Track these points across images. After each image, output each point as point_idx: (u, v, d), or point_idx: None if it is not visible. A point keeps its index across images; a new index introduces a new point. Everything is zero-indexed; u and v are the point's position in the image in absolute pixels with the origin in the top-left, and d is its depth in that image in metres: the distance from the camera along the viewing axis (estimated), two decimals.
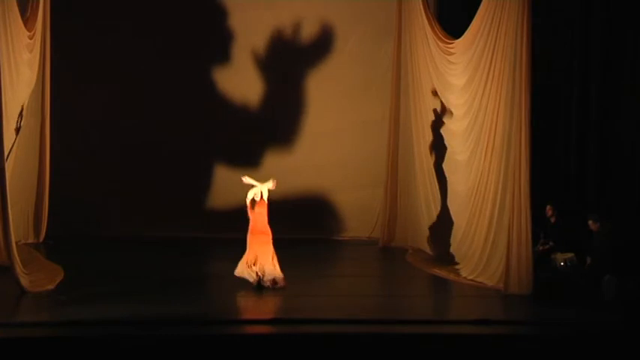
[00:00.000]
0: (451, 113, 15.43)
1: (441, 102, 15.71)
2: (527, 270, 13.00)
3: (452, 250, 15.30)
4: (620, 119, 15.61)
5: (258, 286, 12.87)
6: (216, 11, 18.15)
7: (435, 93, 15.88)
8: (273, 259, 13.03)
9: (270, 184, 13.28)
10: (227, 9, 18.17)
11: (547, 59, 15.81)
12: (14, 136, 14.72)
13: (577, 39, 16.16)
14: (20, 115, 15.21)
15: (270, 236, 13.11)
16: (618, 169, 15.57)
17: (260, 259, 12.98)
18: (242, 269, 13.03)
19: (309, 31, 18.29)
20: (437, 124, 15.85)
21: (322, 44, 18.32)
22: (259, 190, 13.17)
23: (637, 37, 15.23)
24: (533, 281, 13.02)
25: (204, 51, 18.12)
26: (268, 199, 13.23)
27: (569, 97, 16.26)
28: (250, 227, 13.15)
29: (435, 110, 15.87)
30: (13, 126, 14.66)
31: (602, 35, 15.82)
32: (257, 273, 12.90)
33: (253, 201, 13.16)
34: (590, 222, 13.94)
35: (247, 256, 13.04)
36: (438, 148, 15.80)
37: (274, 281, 12.93)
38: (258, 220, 13.11)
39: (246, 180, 13.38)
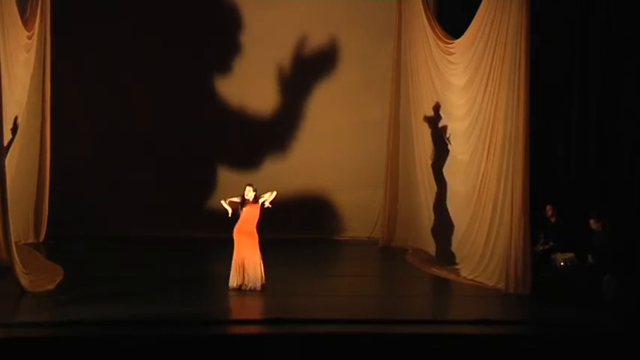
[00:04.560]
0: (449, 115, 15.48)
1: (438, 101, 15.76)
2: (527, 270, 13.01)
3: (452, 250, 15.29)
4: (620, 119, 15.61)
5: (244, 290, 12.91)
6: (218, 14, 18.14)
7: (435, 109, 15.87)
8: (259, 264, 12.99)
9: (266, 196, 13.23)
10: (227, 11, 18.16)
11: (547, 59, 15.80)
12: (10, 135, 14.70)
13: (577, 39, 16.15)
14: (16, 115, 15.22)
15: (257, 239, 13.03)
16: (618, 169, 15.57)
17: (246, 263, 12.95)
18: (233, 276, 13.00)
19: (309, 32, 18.28)
20: (436, 124, 15.84)
21: (323, 45, 18.32)
22: (253, 193, 13.11)
23: (637, 37, 15.22)
24: (532, 281, 13.02)
25: (205, 52, 18.10)
26: (262, 204, 13.11)
27: (570, 97, 16.26)
28: (237, 225, 13.08)
29: (435, 110, 15.86)
30: (10, 126, 14.64)
31: (602, 35, 15.82)
32: (238, 280, 12.92)
33: (244, 200, 13.12)
34: (592, 221, 13.91)
35: (235, 261, 12.99)
36: (439, 148, 15.80)
37: (254, 288, 12.93)
38: (247, 220, 13.03)
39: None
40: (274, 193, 13.17)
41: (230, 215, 13.08)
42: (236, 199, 13.13)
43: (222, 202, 13.18)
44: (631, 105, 15.42)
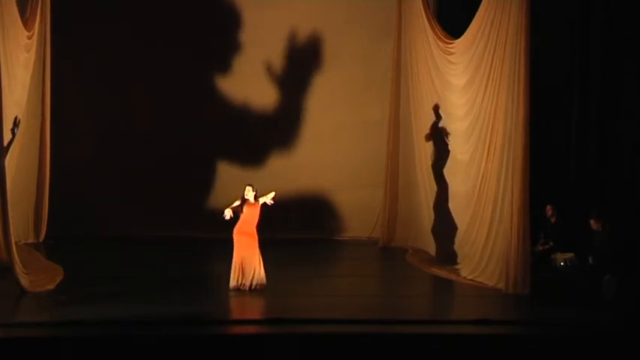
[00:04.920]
0: (449, 115, 15.47)
1: (438, 101, 15.76)
2: (526, 270, 13.01)
3: (452, 250, 15.27)
4: (620, 119, 15.60)
5: (245, 290, 12.90)
6: (218, 13, 18.14)
7: (435, 109, 15.85)
8: (259, 264, 12.97)
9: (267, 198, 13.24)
10: (228, 11, 18.16)
11: (547, 59, 15.81)
12: (10, 135, 14.70)
13: (577, 39, 16.15)
14: (16, 116, 15.21)
15: (257, 239, 13.01)
16: (618, 169, 15.56)
17: (245, 264, 12.94)
18: (234, 277, 12.99)
19: (310, 33, 18.28)
20: (437, 124, 15.83)
21: (323, 47, 18.31)
22: (253, 193, 13.11)
23: (637, 37, 15.22)
24: (532, 281, 13.02)
25: (205, 51, 18.09)
26: (263, 204, 13.10)
27: (570, 97, 16.25)
28: (237, 226, 13.07)
29: (435, 110, 15.86)
30: (10, 126, 14.64)
31: (602, 35, 15.81)
32: (239, 280, 12.92)
33: (244, 201, 13.10)
34: (592, 221, 13.90)
35: (235, 261, 12.98)
36: (439, 148, 15.79)
37: (254, 287, 12.92)
38: (247, 221, 13.01)
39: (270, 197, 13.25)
40: (273, 193, 13.17)
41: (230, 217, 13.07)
42: (237, 204, 13.11)
43: (226, 212, 13.11)
44: (631, 105, 15.40)
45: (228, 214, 13.02)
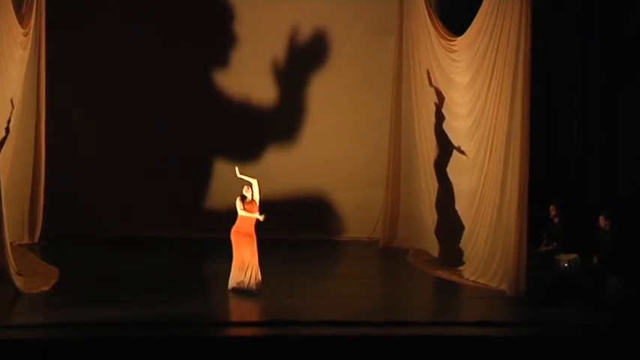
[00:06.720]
0: (452, 113, 15.37)
1: (440, 99, 15.64)
2: (523, 271, 12.95)
3: (454, 250, 15.17)
4: (622, 119, 15.50)
5: (244, 291, 12.81)
6: (218, 11, 18.04)
7: (438, 107, 15.73)
8: (257, 265, 12.85)
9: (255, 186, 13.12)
10: (228, 9, 18.07)
11: (549, 58, 15.71)
12: (4, 133, 14.60)
13: (578, 37, 16.05)
14: (10, 113, 15.10)
15: (255, 239, 12.91)
16: (621, 169, 15.46)
17: (245, 264, 12.82)
18: (234, 277, 12.90)
19: (310, 31, 18.20)
20: (440, 122, 15.72)
21: (323, 44, 18.22)
22: (251, 190, 13.00)
23: (637, 36, 15.13)
24: (535, 282, 12.97)
25: (204, 49, 18.00)
26: (260, 202, 13.03)
27: (572, 97, 16.15)
28: (236, 226, 12.97)
29: (437, 108, 15.73)
30: (4, 125, 14.54)
31: (603, 34, 15.71)
32: (238, 281, 12.84)
33: (243, 199, 12.97)
34: (601, 217, 13.76)
35: (235, 262, 12.88)
36: (441, 146, 15.68)
37: (253, 288, 12.81)
38: (246, 220, 12.92)
39: (239, 175, 13.19)
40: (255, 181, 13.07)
41: (263, 218, 12.87)
42: (240, 204, 12.95)
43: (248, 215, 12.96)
44: (632, 105, 15.28)
45: (251, 214, 12.86)
